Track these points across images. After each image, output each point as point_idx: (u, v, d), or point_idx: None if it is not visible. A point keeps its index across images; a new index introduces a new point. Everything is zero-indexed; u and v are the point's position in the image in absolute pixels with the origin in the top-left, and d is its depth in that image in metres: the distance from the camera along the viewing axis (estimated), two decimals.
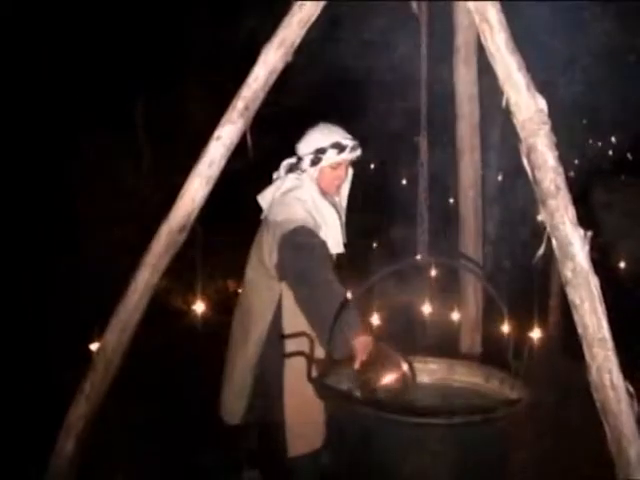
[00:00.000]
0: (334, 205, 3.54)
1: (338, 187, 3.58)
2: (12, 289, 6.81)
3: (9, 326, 6.08)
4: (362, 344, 3.03)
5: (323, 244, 3.33)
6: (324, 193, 3.51)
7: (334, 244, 3.46)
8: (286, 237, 3.28)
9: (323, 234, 3.39)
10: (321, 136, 3.48)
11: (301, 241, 3.26)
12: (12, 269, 7.21)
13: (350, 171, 3.63)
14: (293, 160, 3.54)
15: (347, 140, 3.47)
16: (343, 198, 3.68)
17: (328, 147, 3.44)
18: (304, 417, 3.46)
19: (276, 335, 3.45)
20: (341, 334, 3.02)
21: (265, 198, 3.55)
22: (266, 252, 3.41)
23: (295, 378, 3.35)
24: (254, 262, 3.55)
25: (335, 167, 3.49)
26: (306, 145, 3.50)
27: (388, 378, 2.97)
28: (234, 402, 3.61)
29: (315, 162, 3.45)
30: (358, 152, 3.52)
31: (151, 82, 9.92)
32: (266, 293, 3.48)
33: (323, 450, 3.53)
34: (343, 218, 3.64)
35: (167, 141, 10.29)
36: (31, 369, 5.43)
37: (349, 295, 3.18)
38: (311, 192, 3.44)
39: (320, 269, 3.21)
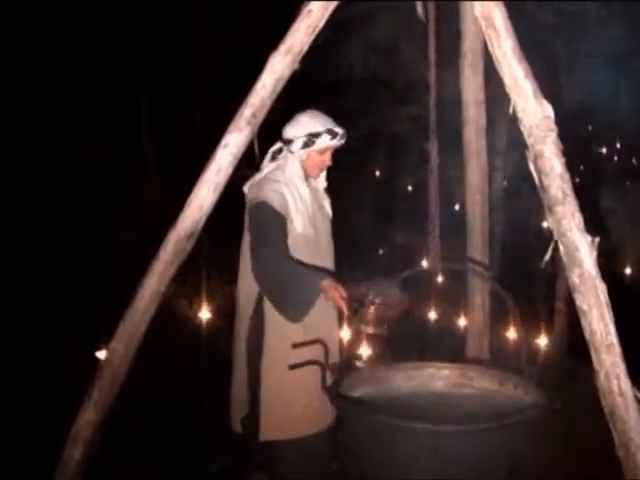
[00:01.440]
0: (313, 189, 3.71)
1: (321, 171, 3.73)
2: (18, 297, 6.83)
3: (17, 332, 6.10)
4: (329, 285, 3.23)
5: (280, 221, 3.48)
6: (306, 175, 3.66)
7: (304, 226, 3.58)
8: (249, 211, 3.53)
9: (293, 213, 3.54)
10: (314, 121, 3.59)
11: (257, 216, 3.47)
12: (16, 277, 7.23)
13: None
14: (277, 146, 3.68)
15: (338, 128, 3.61)
16: (321, 182, 3.81)
17: (323, 132, 3.55)
18: (280, 402, 3.48)
19: (258, 331, 3.53)
20: (299, 292, 3.28)
21: (247, 186, 3.68)
22: (246, 231, 3.59)
23: (274, 363, 3.46)
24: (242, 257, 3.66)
25: (323, 152, 3.62)
26: (298, 128, 3.59)
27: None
28: (235, 409, 3.63)
29: (307, 145, 3.57)
30: (343, 140, 3.66)
31: (157, 84, 9.94)
32: (248, 288, 3.56)
33: (332, 459, 3.56)
34: (325, 203, 3.81)
35: (173, 144, 10.32)
36: (39, 376, 5.44)
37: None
38: (292, 172, 3.60)
39: (267, 243, 3.39)
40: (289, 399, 3.47)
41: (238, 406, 3.60)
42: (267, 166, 3.66)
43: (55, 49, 8.99)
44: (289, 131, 3.62)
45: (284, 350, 3.37)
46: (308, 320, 3.39)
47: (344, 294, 3.20)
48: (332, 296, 3.21)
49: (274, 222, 3.46)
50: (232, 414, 3.65)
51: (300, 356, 3.29)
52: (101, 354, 3.66)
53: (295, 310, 3.34)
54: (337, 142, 3.61)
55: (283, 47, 3.17)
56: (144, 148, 10.25)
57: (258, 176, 3.63)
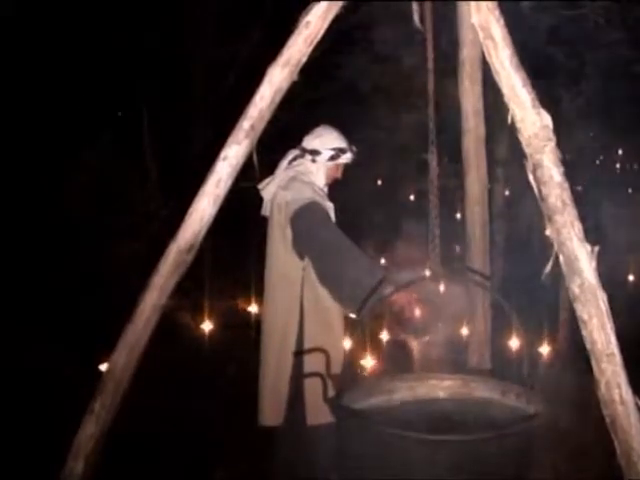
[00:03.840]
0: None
1: (331, 183, 4.05)
2: (20, 309, 6.82)
3: (19, 343, 6.10)
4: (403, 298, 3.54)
5: (330, 216, 3.80)
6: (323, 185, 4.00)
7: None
8: (299, 213, 3.72)
9: (330, 213, 3.85)
10: (339, 137, 3.97)
11: (315, 213, 3.73)
12: (15, 287, 7.22)
13: None
14: (296, 153, 3.96)
15: (353, 145, 4.00)
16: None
17: (348, 149, 3.94)
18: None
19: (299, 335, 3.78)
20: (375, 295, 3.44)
21: (268, 189, 3.92)
22: (278, 235, 3.79)
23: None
24: (273, 261, 3.87)
25: (339, 166, 3.99)
26: (326, 141, 3.93)
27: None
28: (268, 402, 3.82)
29: (334, 158, 3.92)
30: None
31: (157, 95, 9.96)
32: (287, 292, 3.80)
33: (332, 470, 3.61)
34: None
35: (173, 155, 10.32)
36: (40, 388, 5.44)
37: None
38: (316, 180, 3.92)
39: (334, 232, 3.70)
40: None
41: (273, 398, 3.79)
42: (286, 170, 3.92)
43: (54, 58, 9.00)
44: (315, 142, 3.94)
45: (323, 337, 3.71)
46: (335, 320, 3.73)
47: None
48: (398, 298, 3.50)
49: (329, 218, 3.78)
50: (264, 408, 3.83)
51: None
52: (103, 367, 3.66)
53: (360, 312, 3.53)
54: (352, 160, 3.99)
55: (281, 59, 3.17)
56: (145, 159, 10.25)
57: (285, 178, 3.88)
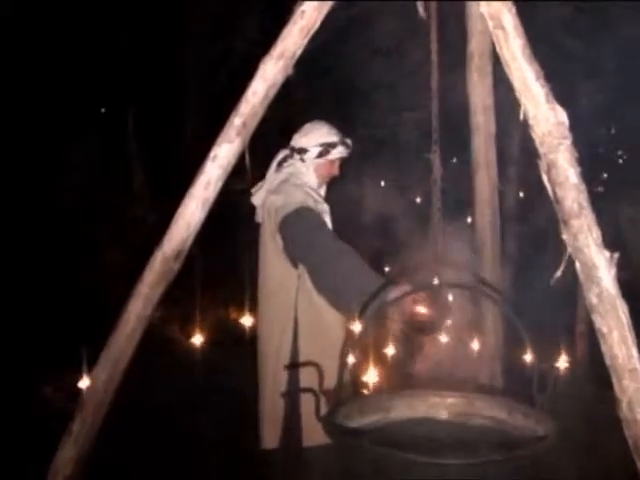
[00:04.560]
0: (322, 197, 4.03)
1: (327, 181, 4.07)
2: None
3: None
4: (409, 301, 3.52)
5: (324, 222, 3.80)
6: (318, 181, 4.01)
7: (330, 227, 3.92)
8: (288, 219, 3.73)
9: (323, 215, 3.87)
10: (329, 132, 3.95)
11: (305, 219, 3.72)
12: None
13: None
14: (286, 153, 3.98)
15: (348, 139, 3.99)
16: (324, 192, 4.14)
17: (339, 143, 3.92)
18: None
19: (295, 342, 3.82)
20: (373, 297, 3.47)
21: (259, 194, 3.95)
22: (270, 243, 3.82)
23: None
24: (266, 270, 3.90)
25: (333, 162, 3.97)
26: (313, 138, 3.92)
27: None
28: (269, 424, 3.86)
29: (322, 154, 3.90)
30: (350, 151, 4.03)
31: (143, 93, 9.97)
32: (281, 302, 3.84)
33: None
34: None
35: (160, 156, 10.33)
36: (15, 409, 5.42)
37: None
38: (307, 180, 3.91)
39: (328, 238, 3.70)
40: None
41: (273, 419, 3.82)
42: (276, 173, 3.93)
43: (44, 63, 9.05)
44: (302, 140, 3.94)
45: (319, 350, 3.69)
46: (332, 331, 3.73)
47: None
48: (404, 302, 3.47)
49: (322, 222, 3.78)
50: (265, 431, 3.86)
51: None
52: (82, 384, 3.64)
53: (353, 304, 3.55)
54: (347, 153, 3.98)
55: (275, 51, 3.15)
56: (130, 161, 10.26)
57: (274, 182, 3.89)
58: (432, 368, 3.81)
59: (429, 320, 3.59)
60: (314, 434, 3.63)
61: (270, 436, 3.83)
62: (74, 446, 3.35)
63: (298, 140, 3.95)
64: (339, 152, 3.95)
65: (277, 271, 3.79)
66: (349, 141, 3.97)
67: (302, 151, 3.90)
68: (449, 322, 3.74)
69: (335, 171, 4.03)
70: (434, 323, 3.61)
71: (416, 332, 3.69)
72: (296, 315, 3.76)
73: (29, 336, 6.63)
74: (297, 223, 3.72)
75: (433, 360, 3.84)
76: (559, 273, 2.84)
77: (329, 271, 3.64)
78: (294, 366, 3.62)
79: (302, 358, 3.74)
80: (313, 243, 3.69)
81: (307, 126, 3.99)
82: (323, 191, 4.09)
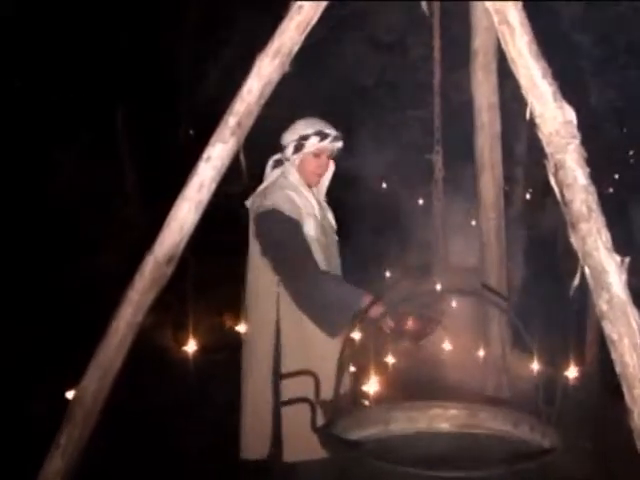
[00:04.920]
0: (312, 195, 3.92)
1: (319, 177, 3.96)
2: None
3: None
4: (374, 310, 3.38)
5: (295, 227, 3.72)
6: (305, 181, 3.89)
7: (316, 229, 3.83)
8: (257, 222, 3.76)
9: (304, 216, 3.78)
10: (305, 124, 3.86)
11: (274, 223, 3.71)
12: None
13: (332, 166, 4.00)
14: (278, 155, 3.93)
15: (330, 129, 3.86)
16: (321, 193, 4.06)
17: (311, 134, 3.80)
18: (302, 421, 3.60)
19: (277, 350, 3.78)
20: (341, 310, 3.53)
21: (251, 197, 3.92)
22: (253, 247, 3.81)
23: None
24: (250, 275, 3.88)
25: (317, 155, 3.86)
26: (290, 133, 3.86)
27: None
28: (250, 435, 3.80)
29: (298, 148, 3.82)
30: (340, 144, 3.91)
31: (135, 91, 9.98)
32: (265, 303, 3.78)
33: None
34: (328, 214, 4.05)
35: (153, 158, 10.34)
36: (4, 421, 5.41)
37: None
38: (293, 179, 3.84)
39: (301, 253, 3.67)
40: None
41: (255, 431, 3.77)
42: (269, 176, 3.90)
43: (34, 64, 9.08)
44: (283, 137, 3.89)
45: (304, 359, 3.68)
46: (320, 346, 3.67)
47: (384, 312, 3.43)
48: (375, 315, 3.38)
49: (292, 228, 3.72)
50: (246, 441, 3.81)
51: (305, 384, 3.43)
52: (70, 394, 3.64)
53: (335, 326, 3.60)
54: (329, 144, 3.84)
55: (271, 48, 3.15)
56: (121, 162, 10.26)
57: (261, 187, 3.87)
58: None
59: (418, 328, 3.58)
60: (296, 448, 3.66)
61: (252, 446, 3.81)
62: (61, 459, 3.34)
63: (282, 138, 3.91)
64: (313, 144, 3.79)
65: (259, 276, 3.78)
66: (329, 131, 3.83)
67: (284, 149, 3.87)
68: (440, 328, 3.71)
69: (320, 169, 3.91)
70: (424, 331, 3.60)
71: (406, 340, 3.68)
72: (278, 322, 3.74)
73: (10, 345, 6.62)
74: (266, 227, 3.73)
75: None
76: (576, 282, 2.83)
77: (302, 283, 3.64)
78: (289, 375, 3.59)
79: (285, 368, 3.71)
80: (279, 250, 3.70)
81: (295, 122, 3.95)
82: (318, 191, 4.01)
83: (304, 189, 3.85)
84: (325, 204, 4.05)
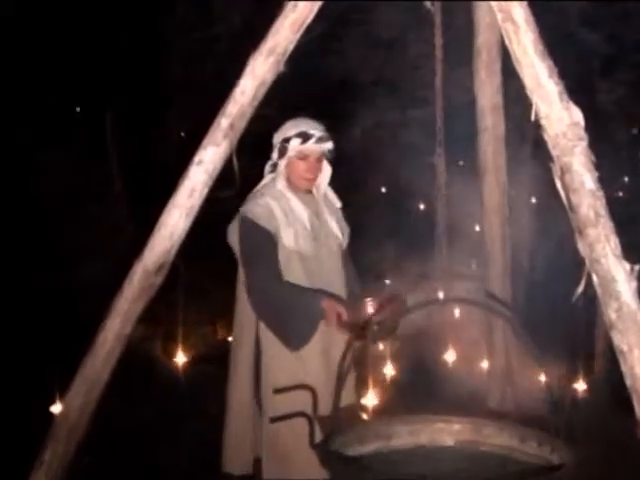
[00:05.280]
0: (304, 200, 3.84)
1: (308, 182, 3.85)
2: None
3: None
4: (329, 305, 3.49)
5: (265, 236, 3.69)
6: (295, 187, 3.82)
7: (297, 239, 3.76)
8: (228, 230, 3.77)
9: (282, 225, 3.72)
10: (289, 125, 3.79)
11: (241, 234, 3.70)
12: None
13: (328, 168, 3.91)
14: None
15: (314, 130, 3.75)
16: (322, 197, 3.95)
17: (293, 136, 3.72)
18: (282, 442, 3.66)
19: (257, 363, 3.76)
20: (298, 318, 3.55)
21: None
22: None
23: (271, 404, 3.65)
24: (237, 283, 3.85)
25: (303, 158, 3.75)
26: (276, 136, 3.81)
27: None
28: (233, 447, 3.78)
29: (282, 152, 3.75)
30: (327, 145, 3.79)
31: (123, 91, 9.99)
32: (246, 314, 3.76)
33: None
34: (331, 221, 3.94)
35: (143, 160, 10.34)
36: None
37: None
38: (280, 184, 3.78)
39: (257, 265, 3.65)
40: (289, 443, 3.61)
41: (237, 443, 3.76)
42: (263, 180, 3.86)
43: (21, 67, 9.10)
44: (273, 140, 3.82)
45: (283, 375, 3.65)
46: (307, 357, 3.65)
47: (345, 315, 3.42)
48: (330, 319, 3.43)
49: (260, 238, 3.68)
50: (229, 454, 3.79)
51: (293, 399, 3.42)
52: (55, 409, 3.64)
53: (295, 339, 3.61)
54: (313, 145, 3.73)
55: (265, 47, 3.16)
56: (108, 164, 10.26)
57: (252, 192, 3.84)
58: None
59: (382, 323, 3.55)
60: (275, 467, 3.67)
61: (235, 461, 3.80)
62: (45, 477, 3.34)
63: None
64: (294, 147, 3.69)
65: (241, 286, 3.77)
66: (313, 131, 3.72)
67: (272, 152, 3.84)
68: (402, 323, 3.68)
69: (309, 172, 3.79)
70: (386, 326, 3.58)
71: (371, 336, 3.65)
72: (257, 334, 3.71)
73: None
74: (235, 235, 3.74)
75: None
76: (580, 289, 2.83)
77: (263, 295, 3.64)
78: (285, 390, 3.56)
79: (265, 382, 3.70)
80: (245, 260, 3.71)
81: None
82: (318, 195, 3.92)
83: (292, 195, 3.78)
84: (329, 209, 3.96)
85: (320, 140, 3.74)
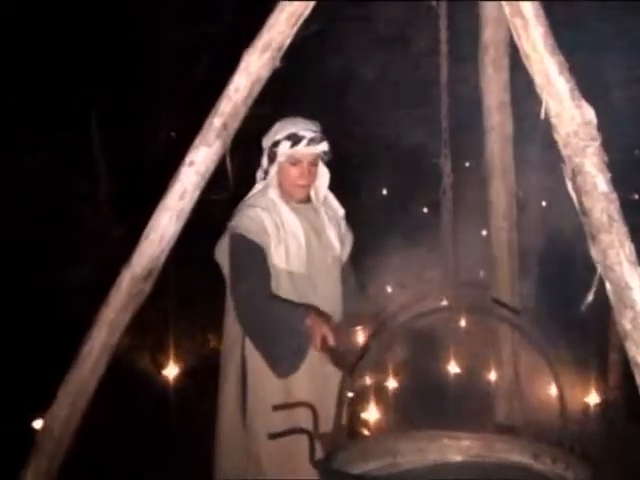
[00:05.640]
0: (299, 210, 3.75)
1: (302, 189, 3.75)
2: None
3: None
4: (314, 322, 3.42)
5: (257, 253, 3.61)
6: (288, 196, 3.73)
7: (287, 257, 3.67)
8: (217, 247, 3.74)
9: (273, 243, 3.63)
10: (279, 127, 3.69)
11: (232, 250, 3.64)
12: None
13: (325, 171, 3.82)
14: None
15: (305, 131, 3.64)
16: (321, 203, 3.87)
17: (282, 139, 3.63)
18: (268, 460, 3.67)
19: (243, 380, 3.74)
20: (290, 343, 3.52)
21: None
22: None
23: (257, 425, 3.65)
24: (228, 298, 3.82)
25: (294, 163, 3.66)
26: (264, 140, 3.73)
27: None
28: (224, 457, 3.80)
29: (271, 157, 3.67)
30: (321, 146, 3.68)
31: (109, 88, 10.00)
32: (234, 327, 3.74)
33: None
34: (330, 233, 3.84)
35: (131, 162, 10.35)
36: None
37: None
38: (271, 193, 3.69)
39: (245, 281, 3.59)
40: (274, 463, 3.64)
41: (228, 453, 3.77)
42: (255, 188, 3.79)
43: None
44: (262, 144, 3.75)
45: (264, 411, 3.54)
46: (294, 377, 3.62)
47: (331, 339, 3.36)
48: (314, 341, 3.39)
49: (250, 252, 3.62)
50: (220, 463, 3.80)
51: (286, 419, 3.36)
52: (38, 423, 3.64)
53: (283, 366, 3.60)
54: (304, 149, 3.63)
55: (260, 42, 3.16)
56: (94, 165, 10.27)
57: (243, 200, 3.78)
58: None
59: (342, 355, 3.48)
60: None
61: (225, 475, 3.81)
62: None
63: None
64: (284, 150, 3.60)
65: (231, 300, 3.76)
66: (304, 133, 3.61)
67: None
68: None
69: (302, 179, 3.70)
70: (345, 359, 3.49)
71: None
72: (243, 349, 3.69)
73: None
74: (223, 253, 3.72)
75: None
76: (590, 297, 2.81)
77: (247, 327, 3.64)
78: (284, 407, 3.55)
79: (251, 401, 3.69)
80: (230, 276, 3.68)
81: None
82: (317, 202, 3.87)
83: (285, 206, 3.70)
84: (330, 217, 3.88)
85: (312, 142, 3.64)
